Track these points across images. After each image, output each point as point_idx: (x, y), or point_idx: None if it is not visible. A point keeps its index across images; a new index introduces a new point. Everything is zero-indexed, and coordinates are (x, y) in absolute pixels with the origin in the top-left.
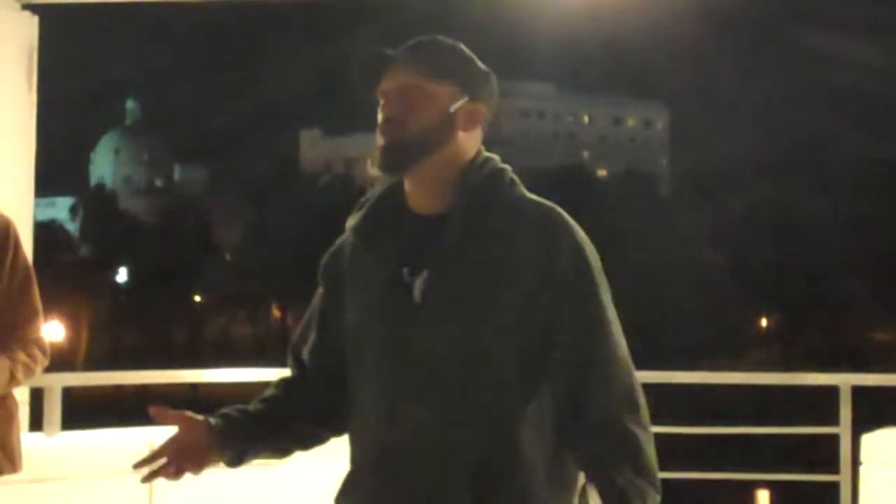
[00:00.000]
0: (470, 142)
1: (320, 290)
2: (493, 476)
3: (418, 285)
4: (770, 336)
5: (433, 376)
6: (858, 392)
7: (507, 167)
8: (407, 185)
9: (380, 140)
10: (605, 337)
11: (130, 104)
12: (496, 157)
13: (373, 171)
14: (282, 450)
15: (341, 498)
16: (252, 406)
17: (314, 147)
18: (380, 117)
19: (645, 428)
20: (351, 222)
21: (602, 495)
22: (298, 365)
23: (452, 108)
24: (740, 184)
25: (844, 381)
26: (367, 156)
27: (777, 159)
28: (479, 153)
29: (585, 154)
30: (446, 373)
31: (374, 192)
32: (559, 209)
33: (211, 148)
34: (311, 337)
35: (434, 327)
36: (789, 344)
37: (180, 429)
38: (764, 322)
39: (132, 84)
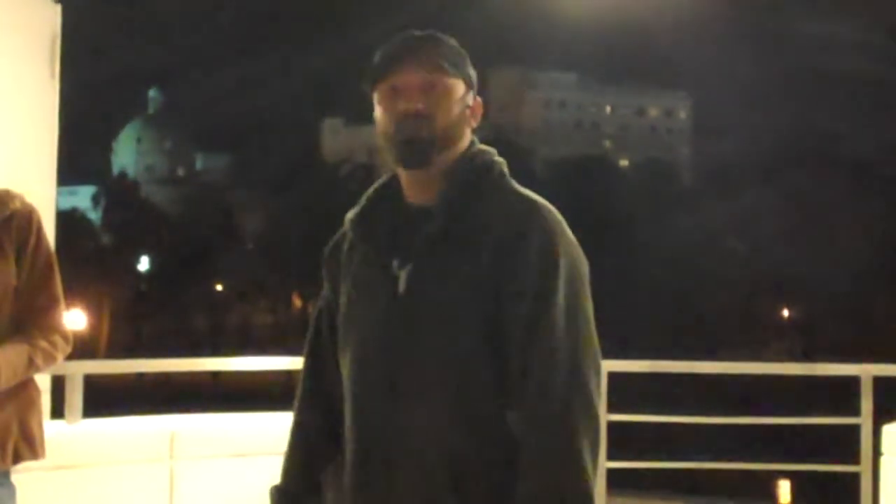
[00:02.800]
0: (469, 135)
1: (325, 287)
2: (474, 468)
3: (403, 277)
4: (792, 326)
5: (413, 370)
6: (880, 383)
7: (500, 160)
8: (404, 177)
9: (401, 134)
10: (550, 335)
11: (153, 93)
12: (492, 150)
13: None
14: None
15: (329, 482)
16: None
17: (336, 136)
18: (399, 110)
19: (590, 434)
20: (350, 215)
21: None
22: (316, 366)
23: (469, 103)
24: (762, 173)
25: (866, 371)
26: None
27: (800, 148)
28: (471, 145)
29: (607, 144)
30: (425, 367)
31: (372, 186)
32: (544, 203)
33: (233, 137)
34: (322, 333)
35: (413, 319)
36: (811, 334)
37: None
38: (786, 312)
39: (155, 73)
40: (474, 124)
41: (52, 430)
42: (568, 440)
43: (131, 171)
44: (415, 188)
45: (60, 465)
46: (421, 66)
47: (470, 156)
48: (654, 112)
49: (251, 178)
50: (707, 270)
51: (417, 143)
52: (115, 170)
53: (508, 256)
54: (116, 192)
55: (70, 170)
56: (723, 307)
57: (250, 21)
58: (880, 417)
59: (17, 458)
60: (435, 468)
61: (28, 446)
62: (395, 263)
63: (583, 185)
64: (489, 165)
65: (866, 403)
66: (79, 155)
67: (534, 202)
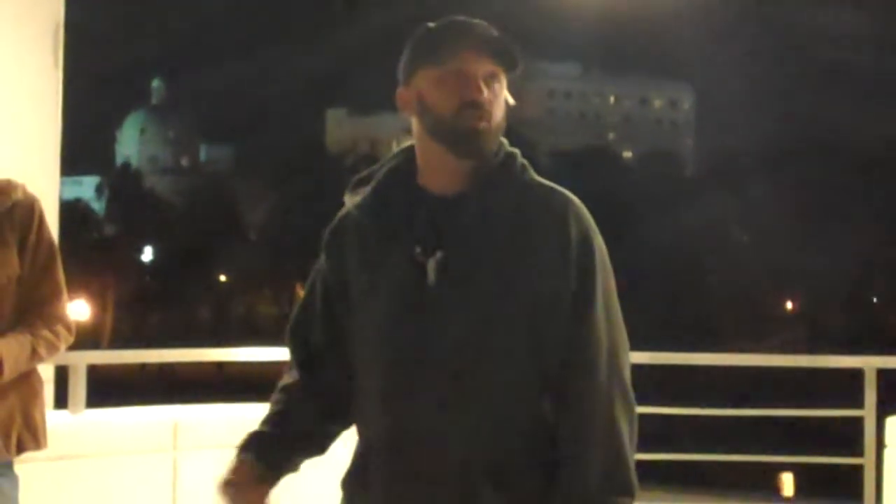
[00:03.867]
0: None
1: (322, 265)
2: (515, 464)
3: (432, 266)
4: (795, 318)
5: (446, 361)
6: (883, 375)
7: (517, 151)
8: (423, 164)
9: (463, 121)
10: (593, 336)
11: (156, 83)
12: (504, 140)
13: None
14: (313, 455)
15: (350, 480)
16: (278, 430)
17: (340, 127)
18: (463, 97)
19: (629, 423)
20: (355, 198)
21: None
22: (303, 346)
23: (511, 99)
24: (766, 164)
25: (869, 363)
26: (392, 136)
27: (803, 140)
28: None
29: (611, 135)
30: (459, 357)
31: (370, 169)
32: (571, 195)
33: (236, 128)
34: (316, 313)
35: (447, 310)
36: (815, 326)
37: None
38: (789, 304)
39: (158, 63)
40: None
41: (56, 421)
42: (611, 432)
43: (135, 162)
44: (434, 176)
45: (63, 455)
46: (489, 56)
47: (497, 149)
48: (657, 103)
49: (255, 168)
50: (710, 261)
51: (478, 135)
52: (119, 160)
53: (548, 250)
54: (120, 183)
55: (74, 160)
56: (726, 298)
57: (254, 11)
58: (884, 410)
59: (21, 449)
60: (475, 465)
61: (31, 437)
62: (419, 251)
63: (586, 176)
64: (511, 157)
65: (870, 396)
66: (82, 145)
67: (564, 194)
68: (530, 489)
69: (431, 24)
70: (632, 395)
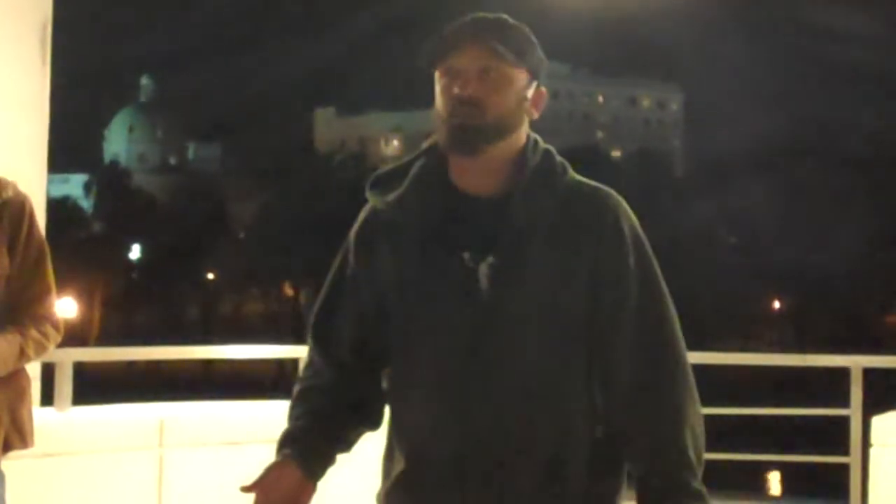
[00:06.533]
0: (527, 126)
1: (350, 259)
2: (573, 466)
3: (484, 271)
4: (783, 317)
5: (504, 367)
6: (870, 374)
7: (553, 149)
8: (457, 165)
9: (454, 119)
10: (667, 329)
11: (145, 81)
12: (539, 137)
13: (387, 150)
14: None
15: (401, 494)
16: (317, 429)
17: (328, 126)
18: (453, 94)
19: (698, 416)
20: (386, 197)
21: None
22: (334, 346)
23: (528, 94)
24: (754, 165)
25: (855, 362)
26: (380, 134)
27: (791, 140)
28: (529, 134)
29: (599, 134)
30: (517, 364)
31: (394, 165)
32: (617, 195)
33: (225, 126)
34: (346, 313)
35: (503, 316)
36: (802, 326)
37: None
38: (777, 304)
39: (147, 61)
40: (535, 115)
41: (42, 418)
42: (685, 423)
43: (123, 160)
44: (468, 176)
45: (49, 452)
46: (479, 50)
47: (532, 149)
48: (646, 103)
49: (243, 167)
50: (698, 261)
51: (466, 131)
52: (107, 158)
53: (608, 250)
54: (108, 181)
55: (62, 157)
56: (713, 298)
57: (243, 9)
58: (870, 409)
59: (7, 448)
60: (539, 468)
61: (18, 436)
62: (466, 256)
63: None
64: (550, 156)
65: (856, 395)
66: (71, 143)
67: (610, 192)
68: (593, 486)
69: (447, 26)
70: (695, 387)
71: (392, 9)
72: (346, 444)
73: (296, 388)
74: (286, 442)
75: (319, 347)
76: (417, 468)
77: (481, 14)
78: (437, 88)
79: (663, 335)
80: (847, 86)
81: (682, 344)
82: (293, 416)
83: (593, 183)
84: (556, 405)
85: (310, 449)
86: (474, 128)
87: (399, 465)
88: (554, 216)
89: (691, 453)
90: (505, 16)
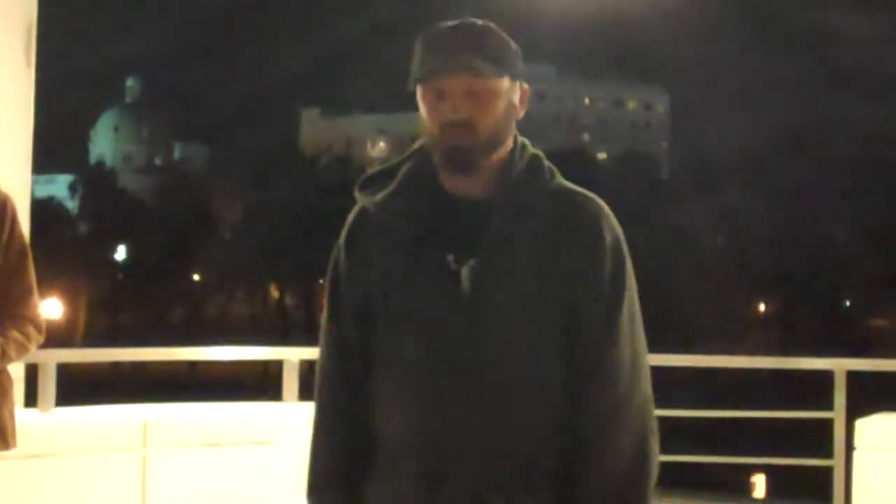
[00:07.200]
0: (514, 129)
1: (344, 265)
2: (547, 467)
3: (466, 274)
4: (768, 320)
5: (481, 369)
6: (853, 377)
7: (541, 153)
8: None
9: (447, 140)
10: (620, 337)
11: (131, 82)
12: (528, 141)
13: (373, 152)
14: None
15: (372, 484)
16: (350, 460)
17: (314, 127)
18: (444, 117)
19: (652, 421)
20: (374, 197)
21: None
22: (348, 352)
23: (515, 99)
24: (740, 167)
25: (839, 365)
26: (366, 136)
27: (777, 143)
28: (516, 137)
29: (585, 137)
30: (495, 366)
31: (384, 166)
32: (601, 202)
33: (211, 127)
34: (345, 312)
35: (483, 317)
36: (788, 329)
37: None
38: (762, 306)
39: (133, 62)
40: (521, 114)
41: (25, 419)
42: (635, 428)
43: (109, 160)
44: (457, 179)
45: (32, 453)
46: (465, 70)
47: (519, 153)
48: (632, 105)
49: (229, 168)
50: (684, 264)
51: (461, 152)
52: (93, 158)
53: (581, 257)
54: (93, 181)
55: (47, 158)
56: (699, 300)
57: (229, 11)
58: (854, 411)
59: None
60: (514, 470)
61: (0, 437)
62: (450, 258)
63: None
64: (537, 160)
65: (839, 398)
66: (56, 143)
67: (594, 199)
68: (559, 491)
69: (426, 33)
70: (651, 396)
71: (379, 11)
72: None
73: (315, 408)
74: (330, 485)
75: (336, 354)
76: (395, 466)
77: (454, 25)
78: (423, 105)
79: (619, 343)
80: (833, 88)
81: (640, 350)
82: (318, 458)
83: (579, 189)
84: (533, 408)
85: (350, 487)
86: (469, 149)
87: (378, 461)
88: (536, 220)
89: (618, 479)
90: (476, 22)
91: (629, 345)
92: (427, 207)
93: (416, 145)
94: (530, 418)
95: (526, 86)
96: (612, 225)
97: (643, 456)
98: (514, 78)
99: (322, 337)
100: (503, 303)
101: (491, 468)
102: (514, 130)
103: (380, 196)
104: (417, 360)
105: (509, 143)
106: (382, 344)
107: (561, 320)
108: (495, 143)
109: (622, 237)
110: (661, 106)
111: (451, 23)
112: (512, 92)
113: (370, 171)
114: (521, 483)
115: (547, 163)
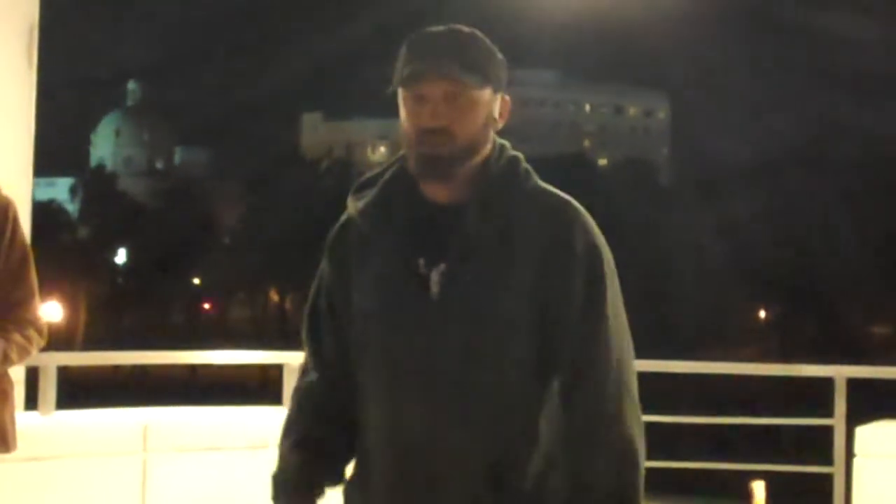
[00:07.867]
0: (492, 136)
1: (326, 270)
2: (517, 472)
3: (435, 278)
4: (769, 327)
5: (448, 371)
6: (853, 384)
7: (521, 155)
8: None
9: (422, 147)
10: (602, 343)
11: (132, 85)
12: (507, 143)
13: (374, 156)
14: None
15: (350, 488)
16: (314, 454)
17: (315, 131)
18: (421, 123)
19: (639, 427)
20: (357, 204)
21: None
22: (319, 355)
23: (495, 112)
24: (741, 174)
25: (839, 372)
26: (367, 141)
27: (778, 150)
28: (494, 141)
29: (586, 143)
30: (458, 369)
31: (374, 172)
32: (575, 203)
33: (212, 131)
34: (323, 322)
35: (451, 321)
36: (788, 336)
37: None
38: (763, 313)
39: (134, 65)
40: (500, 125)
41: (26, 422)
42: (621, 435)
43: (109, 164)
44: (436, 186)
45: (32, 456)
46: (445, 76)
47: (496, 156)
48: (633, 111)
49: (230, 172)
50: (684, 270)
51: (438, 160)
52: (94, 162)
53: (555, 261)
54: (94, 184)
55: (48, 161)
56: (699, 307)
57: (230, 14)
58: (854, 419)
59: None
60: (479, 474)
61: (0, 440)
62: (421, 262)
63: (561, 183)
64: (515, 162)
65: (840, 405)
66: (57, 146)
67: (569, 202)
68: (532, 493)
69: (411, 37)
70: (638, 401)
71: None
72: (338, 477)
73: (292, 397)
74: (280, 487)
75: (309, 351)
76: (370, 468)
77: (439, 31)
78: (403, 109)
79: (603, 345)
80: (835, 94)
81: (626, 352)
82: (286, 444)
83: (556, 192)
84: (498, 414)
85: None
86: (445, 157)
87: (357, 463)
88: (507, 224)
89: (605, 490)
90: (463, 29)
91: (614, 350)
92: (403, 213)
93: (402, 151)
94: (493, 424)
95: (507, 98)
96: (588, 228)
97: (630, 465)
98: (496, 89)
99: (303, 332)
100: (471, 306)
101: (453, 473)
102: (492, 137)
103: (361, 203)
104: (385, 363)
105: (487, 150)
106: (355, 347)
107: (531, 324)
108: (471, 151)
109: (600, 240)
110: (662, 112)
111: (437, 28)
112: (493, 102)
113: (365, 175)
114: (489, 485)
115: (524, 165)
